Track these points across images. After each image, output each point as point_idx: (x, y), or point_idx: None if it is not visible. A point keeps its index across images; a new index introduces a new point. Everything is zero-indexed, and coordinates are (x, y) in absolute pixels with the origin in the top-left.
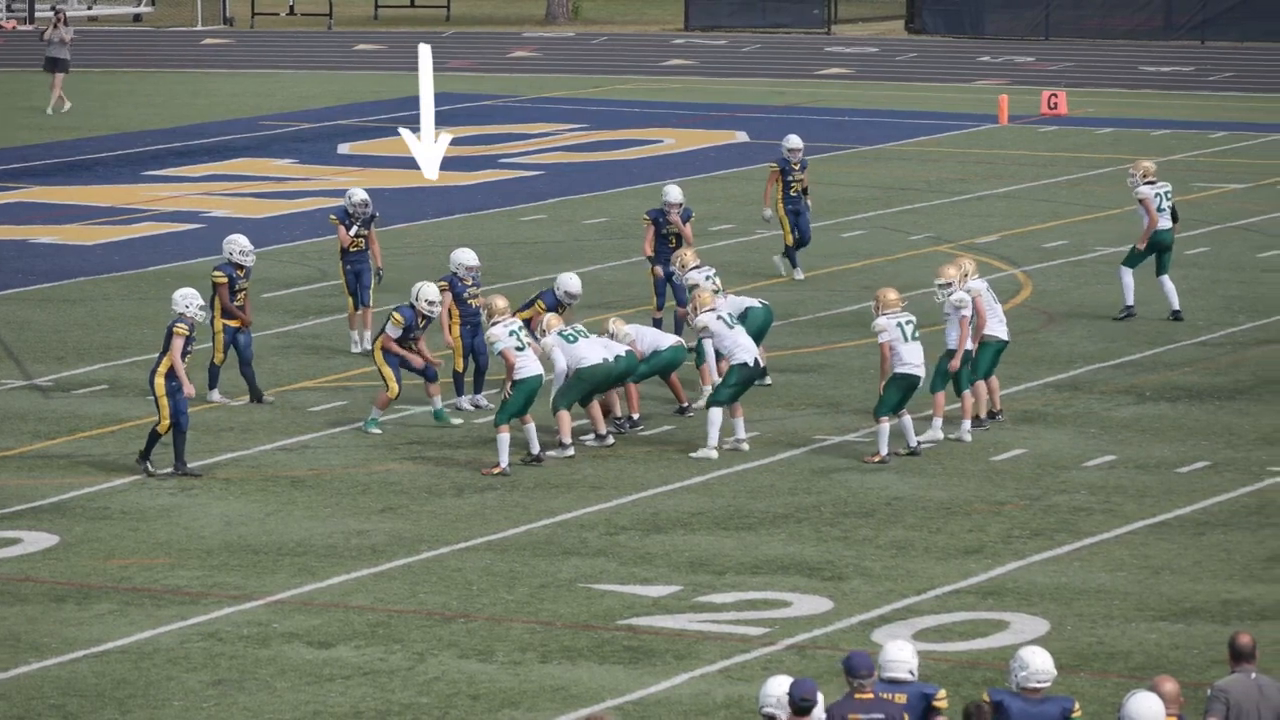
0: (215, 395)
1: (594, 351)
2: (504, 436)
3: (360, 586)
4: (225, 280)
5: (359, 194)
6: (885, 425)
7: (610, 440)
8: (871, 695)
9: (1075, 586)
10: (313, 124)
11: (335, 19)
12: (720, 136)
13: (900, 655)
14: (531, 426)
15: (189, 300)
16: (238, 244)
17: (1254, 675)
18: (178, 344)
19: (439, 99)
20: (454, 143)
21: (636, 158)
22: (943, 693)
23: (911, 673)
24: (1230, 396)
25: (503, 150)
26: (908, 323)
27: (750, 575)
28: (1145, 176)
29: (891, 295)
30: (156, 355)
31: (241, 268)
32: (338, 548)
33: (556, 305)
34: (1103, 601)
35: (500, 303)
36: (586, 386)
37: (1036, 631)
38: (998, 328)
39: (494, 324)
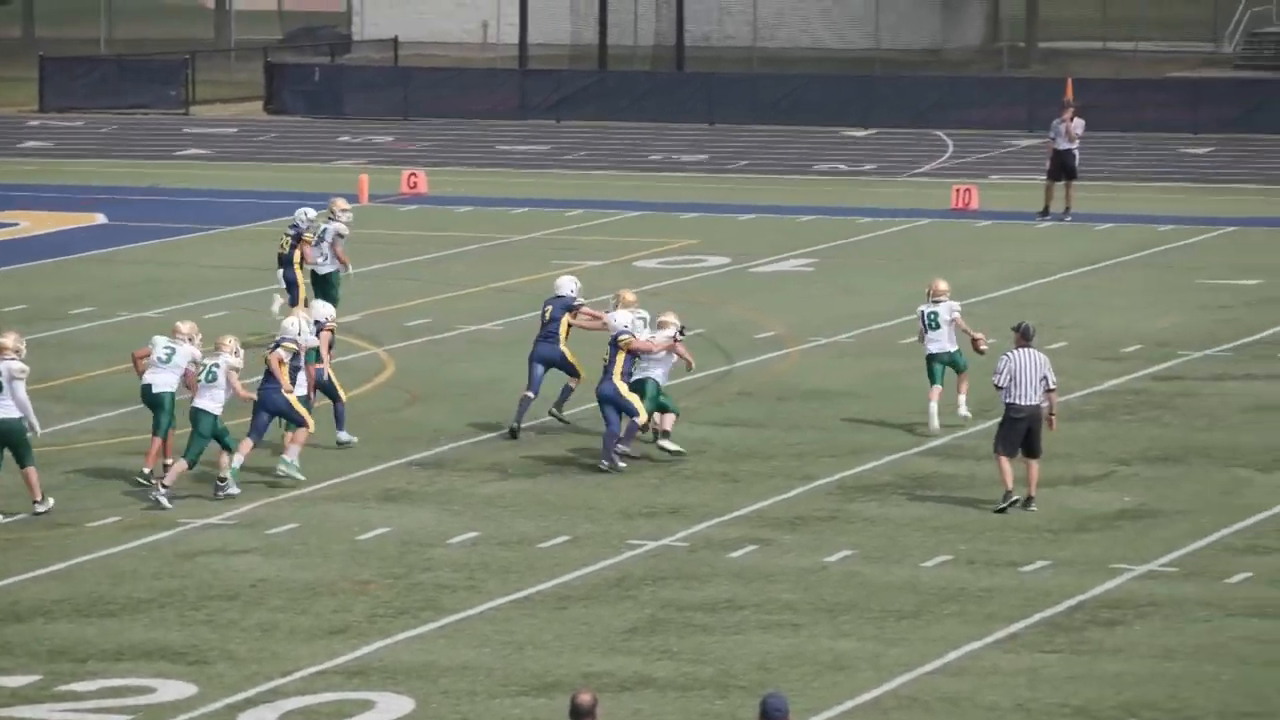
0: None
1: None
2: None
3: None
4: None
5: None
6: None
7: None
8: None
9: (441, 664)
10: None
11: None
12: (78, 219)
13: None
14: None
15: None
16: None
17: None
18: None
19: None
20: None
21: None
22: None
23: None
24: (590, 471)
25: None
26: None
27: (113, 662)
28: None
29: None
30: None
31: None
32: None
33: None
34: (467, 678)
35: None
36: None
37: (402, 710)
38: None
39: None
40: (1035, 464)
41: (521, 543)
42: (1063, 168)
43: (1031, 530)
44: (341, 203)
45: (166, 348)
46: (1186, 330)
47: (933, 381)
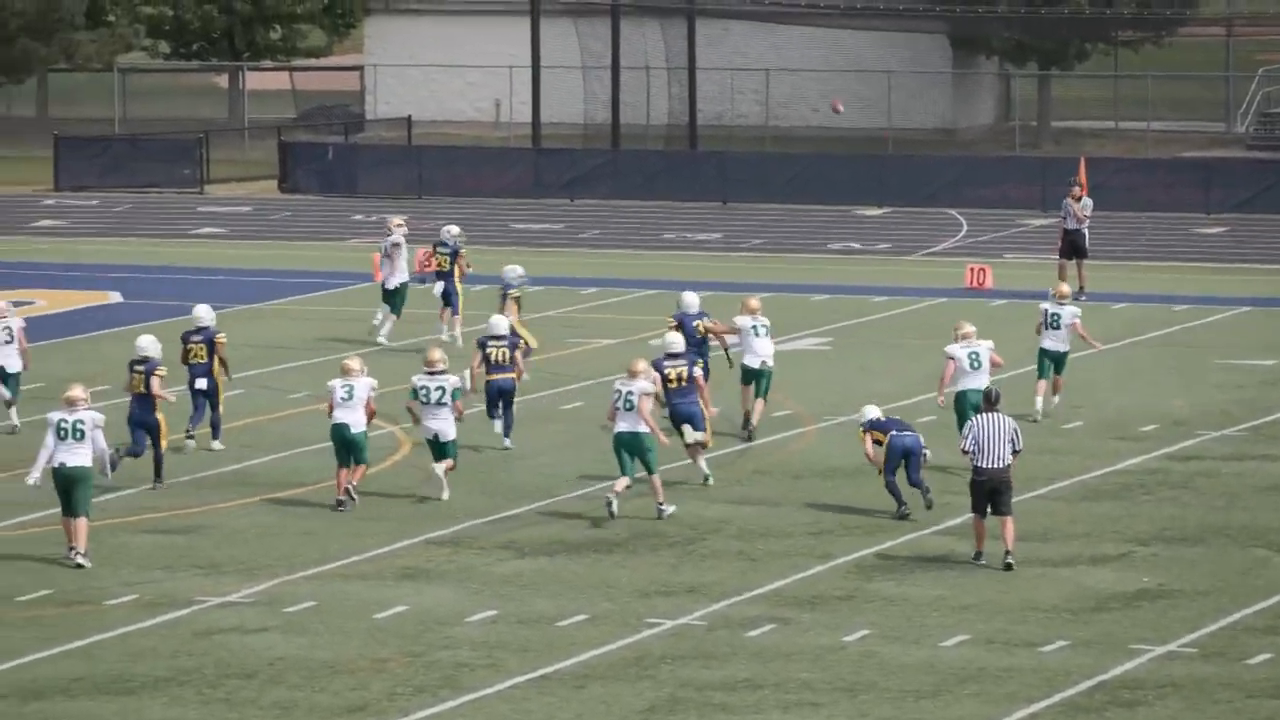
0: None
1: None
2: None
3: None
4: None
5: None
6: None
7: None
8: None
9: None
10: None
11: None
12: (93, 297)
13: None
14: None
15: None
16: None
17: None
18: None
19: None
20: None
21: None
22: None
23: None
24: (608, 550)
25: None
26: None
27: None
28: None
29: None
30: None
31: None
32: None
33: None
34: None
35: None
36: None
37: None
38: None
39: None
40: (1009, 521)
41: (540, 621)
42: (1073, 247)
43: (1050, 610)
44: (396, 219)
45: (345, 387)
46: (1202, 410)
47: (1040, 375)
